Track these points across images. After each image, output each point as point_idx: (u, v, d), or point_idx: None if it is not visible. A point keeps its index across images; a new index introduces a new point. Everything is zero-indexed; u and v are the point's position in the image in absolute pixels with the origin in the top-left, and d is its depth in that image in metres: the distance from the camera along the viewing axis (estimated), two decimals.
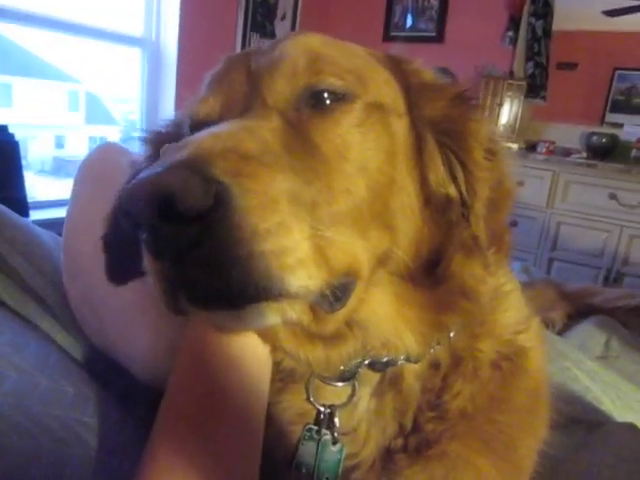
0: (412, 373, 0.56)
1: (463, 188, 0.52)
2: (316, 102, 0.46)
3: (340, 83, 0.47)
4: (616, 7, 3.25)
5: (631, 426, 0.71)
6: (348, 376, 0.56)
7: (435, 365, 0.57)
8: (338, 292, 0.41)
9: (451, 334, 0.56)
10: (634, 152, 3.19)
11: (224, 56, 0.55)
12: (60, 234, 0.76)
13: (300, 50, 0.49)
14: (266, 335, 0.52)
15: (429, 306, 0.52)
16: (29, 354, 0.60)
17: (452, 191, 0.52)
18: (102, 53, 3.13)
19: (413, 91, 0.54)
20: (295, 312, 0.42)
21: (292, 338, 0.51)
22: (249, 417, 0.51)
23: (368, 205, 0.45)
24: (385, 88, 0.52)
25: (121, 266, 0.56)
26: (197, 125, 0.49)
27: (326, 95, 0.46)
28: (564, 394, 0.80)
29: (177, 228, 0.34)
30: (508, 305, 0.62)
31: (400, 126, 0.51)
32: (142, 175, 0.35)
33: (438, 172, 0.52)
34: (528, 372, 0.60)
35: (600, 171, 2.88)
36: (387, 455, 0.56)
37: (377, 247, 0.47)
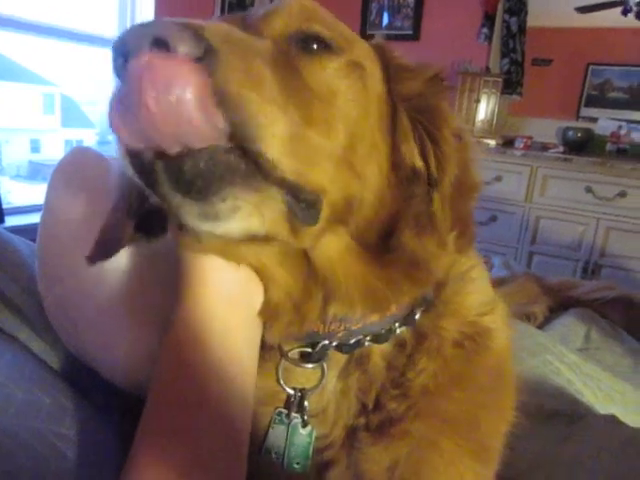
0: (379, 354, 0.57)
1: (432, 163, 0.53)
2: (305, 46, 0.48)
3: (329, 34, 0.49)
4: (588, 4, 3.30)
5: (612, 418, 0.72)
6: (317, 358, 0.56)
7: (401, 344, 0.58)
8: (307, 202, 0.42)
9: (416, 316, 0.58)
10: (609, 146, 3.25)
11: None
12: (35, 240, 0.75)
13: (295, 2, 0.50)
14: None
15: (381, 274, 0.52)
16: (4, 364, 0.58)
17: (420, 165, 0.54)
18: (77, 55, 3.09)
19: (391, 69, 0.55)
20: (270, 215, 0.41)
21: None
22: (234, 425, 0.50)
23: (342, 146, 0.46)
24: (367, 56, 0.54)
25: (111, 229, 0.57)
26: None
27: (315, 42, 0.48)
28: (546, 387, 0.81)
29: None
30: (473, 289, 0.63)
31: (378, 91, 0.53)
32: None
33: (409, 144, 0.54)
34: (491, 351, 0.60)
35: (576, 165, 2.93)
36: (353, 434, 0.57)
37: (344, 188, 0.47)
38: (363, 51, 0.54)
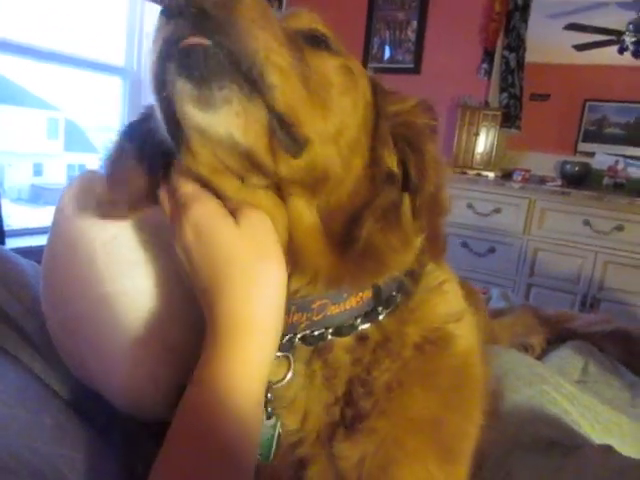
0: (341, 346, 0.60)
1: (413, 170, 0.59)
2: (311, 41, 0.55)
3: (332, 37, 0.57)
4: (585, 42, 3.38)
5: (608, 448, 0.72)
6: (283, 349, 0.58)
7: (363, 338, 0.60)
8: (290, 134, 0.47)
9: (380, 316, 0.60)
10: (606, 180, 3.28)
11: None
12: (39, 262, 0.76)
13: (305, 11, 0.59)
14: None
15: (340, 258, 0.56)
16: (8, 384, 0.59)
17: (396, 170, 0.60)
18: (83, 81, 3.14)
19: (379, 91, 0.62)
20: (254, 125, 0.45)
21: None
22: (246, 469, 0.50)
23: (333, 126, 0.52)
24: (359, 70, 0.60)
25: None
26: None
27: (319, 41, 0.55)
28: (543, 417, 0.81)
29: None
30: (441, 300, 0.66)
31: (366, 98, 0.60)
32: None
33: (388, 150, 0.60)
34: (452, 354, 0.63)
35: (574, 198, 2.95)
36: (329, 429, 0.59)
37: (327, 158, 0.52)
38: (357, 66, 0.60)
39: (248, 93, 0.44)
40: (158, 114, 0.48)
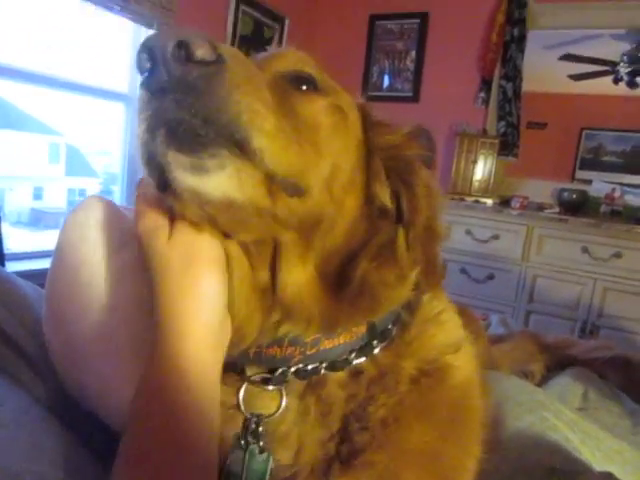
0: (335, 381, 0.59)
1: (405, 204, 0.59)
2: (298, 84, 0.55)
3: (319, 77, 0.57)
4: (580, 72, 3.44)
5: (609, 475, 0.72)
6: (276, 382, 0.58)
7: (357, 374, 0.60)
8: (290, 185, 0.48)
9: (375, 350, 0.60)
10: (603, 207, 3.30)
11: None
12: (41, 285, 0.76)
13: (292, 50, 0.60)
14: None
15: (333, 299, 0.56)
16: (9, 406, 0.59)
17: (389, 205, 0.60)
18: (86, 107, 3.18)
19: (370, 123, 0.63)
20: (251, 180, 0.46)
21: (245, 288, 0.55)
22: (206, 451, 0.51)
23: (325, 171, 0.53)
24: (349, 106, 0.61)
25: None
26: None
27: (306, 82, 0.56)
28: (544, 444, 0.80)
29: (183, 65, 0.42)
30: (439, 330, 0.66)
31: (357, 135, 0.61)
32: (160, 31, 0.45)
33: (382, 185, 0.60)
34: (450, 385, 0.62)
35: (572, 225, 2.97)
36: (325, 464, 0.58)
37: (321, 205, 0.53)
38: (346, 101, 0.60)
39: (239, 156, 0.44)
40: (146, 175, 0.49)
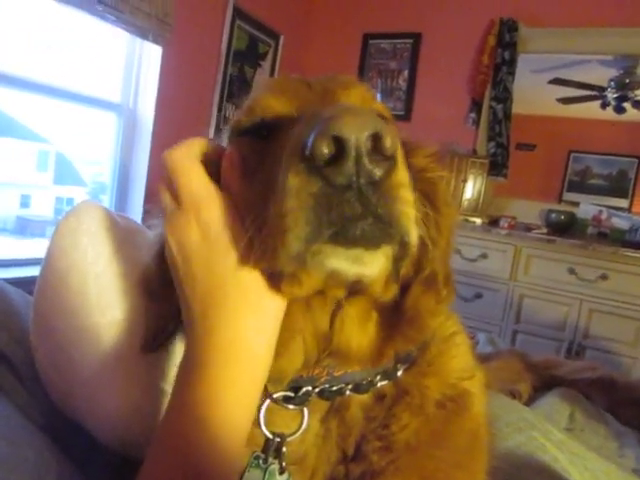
0: (358, 403, 0.58)
1: (431, 226, 0.57)
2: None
3: (388, 115, 0.58)
4: (569, 96, 3.50)
5: None
6: (298, 402, 0.56)
7: (380, 397, 0.59)
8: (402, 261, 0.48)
9: (399, 372, 0.59)
10: (590, 229, 3.34)
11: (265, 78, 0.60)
12: (29, 292, 0.75)
13: (356, 81, 0.58)
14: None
15: (383, 332, 0.56)
16: None
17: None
18: (77, 116, 3.17)
19: (403, 144, 0.60)
20: (384, 271, 0.46)
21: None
22: None
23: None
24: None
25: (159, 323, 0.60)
26: (272, 118, 0.54)
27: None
28: (533, 464, 0.80)
29: (372, 161, 0.40)
30: (457, 353, 0.66)
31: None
32: (345, 111, 0.42)
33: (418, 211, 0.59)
34: (470, 414, 0.62)
35: (559, 246, 3.00)
36: None
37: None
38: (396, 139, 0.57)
39: (395, 249, 0.44)
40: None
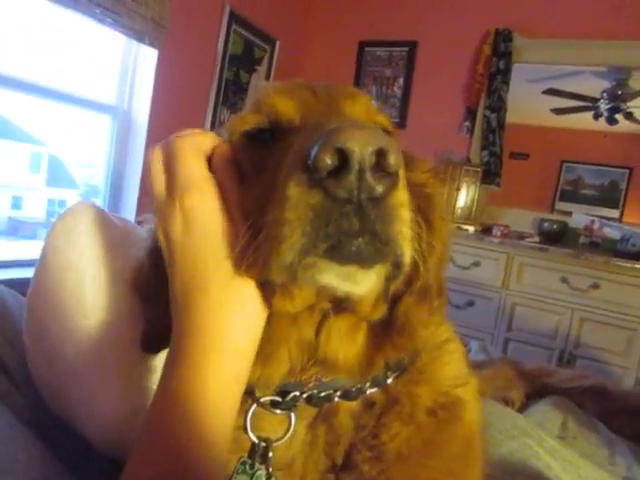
0: (347, 410, 0.58)
1: (424, 239, 0.55)
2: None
3: (392, 129, 0.58)
4: (563, 106, 3.53)
5: None
6: (286, 407, 0.56)
7: (369, 405, 0.59)
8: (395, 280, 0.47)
9: (389, 380, 0.59)
10: (582, 238, 3.36)
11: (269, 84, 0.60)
12: (22, 294, 0.75)
13: (359, 92, 0.58)
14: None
15: (372, 343, 0.55)
16: None
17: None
18: (71, 118, 3.15)
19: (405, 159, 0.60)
20: (375, 289, 0.46)
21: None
22: None
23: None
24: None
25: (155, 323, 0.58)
26: (276, 121, 0.54)
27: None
28: (526, 471, 0.80)
29: (375, 177, 0.39)
30: (449, 360, 0.65)
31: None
32: (351, 124, 0.42)
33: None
34: (463, 421, 0.61)
35: (551, 255, 3.01)
36: None
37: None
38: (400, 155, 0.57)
39: (388, 268, 0.44)
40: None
